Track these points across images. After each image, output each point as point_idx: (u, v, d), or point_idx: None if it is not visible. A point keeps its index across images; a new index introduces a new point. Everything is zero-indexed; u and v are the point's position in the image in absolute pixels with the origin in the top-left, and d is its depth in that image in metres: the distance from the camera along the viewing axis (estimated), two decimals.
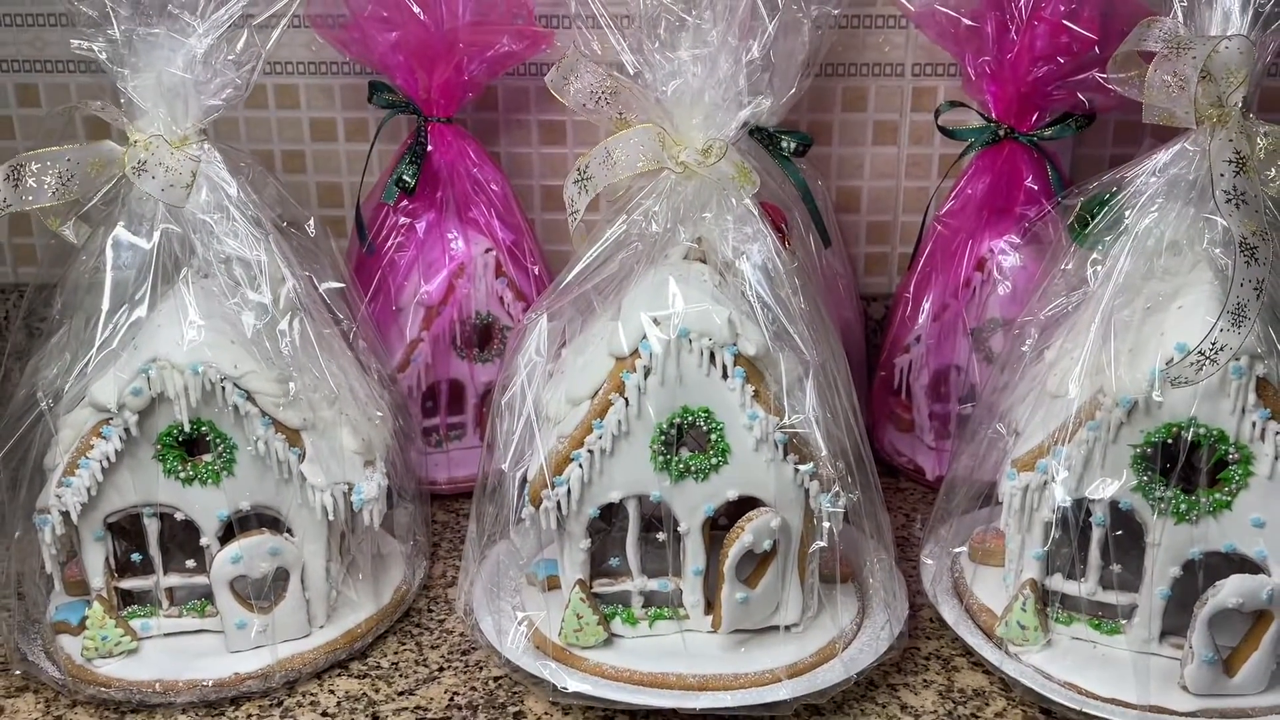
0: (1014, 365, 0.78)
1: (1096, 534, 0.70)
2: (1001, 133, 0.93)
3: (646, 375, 0.67)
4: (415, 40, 0.90)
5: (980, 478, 0.79)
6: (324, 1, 0.94)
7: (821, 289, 0.99)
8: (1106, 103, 0.89)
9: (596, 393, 0.68)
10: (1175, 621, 0.70)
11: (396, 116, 0.99)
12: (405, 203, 0.95)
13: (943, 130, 0.97)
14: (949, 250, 0.97)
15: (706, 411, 0.68)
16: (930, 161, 1.10)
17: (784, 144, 0.97)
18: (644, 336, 0.67)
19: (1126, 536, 0.70)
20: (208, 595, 0.73)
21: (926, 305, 0.98)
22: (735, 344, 0.67)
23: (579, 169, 0.71)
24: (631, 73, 0.69)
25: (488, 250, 0.95)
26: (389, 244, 0.96)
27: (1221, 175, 0.63)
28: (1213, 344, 0.61)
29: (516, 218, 0.98)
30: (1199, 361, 0.62)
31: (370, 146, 1.01)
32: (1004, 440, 0.76)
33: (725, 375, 0.68)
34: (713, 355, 0.67)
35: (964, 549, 0.79)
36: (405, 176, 0.93)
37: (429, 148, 0.95)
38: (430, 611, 0.82)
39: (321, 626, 0.75)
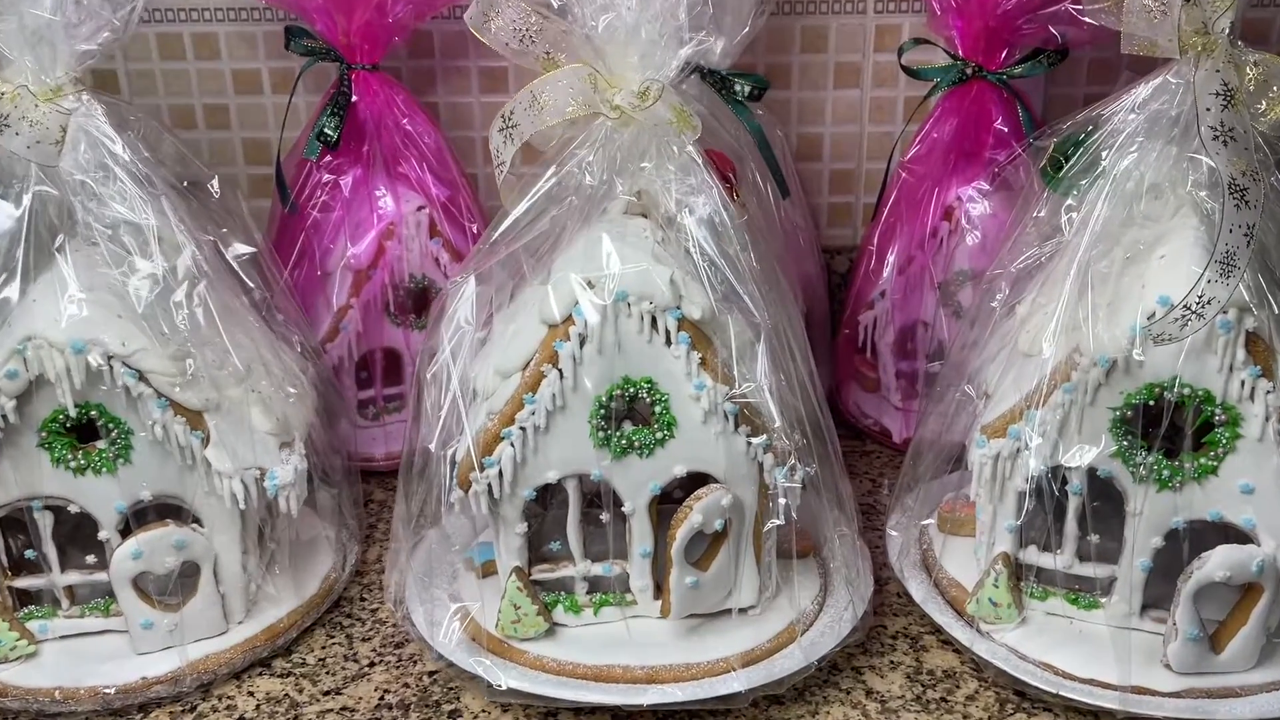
0: (983, 321, 0.72)
1: (1073, 503, 0.65)
2: (969, 71, 0.88)
3: (582, 344, 0.61)
4: None
5: (950, 439, 0.73)
6: None
7: (780, 243, 0.93)
8: (1080, 37, 0.84)
9: (528, 364, 0.62)
10: (1157, 593, 0.65)
11: (321, 65, 0.91)
12: (329, 158, 0.88)
13: (906, 70, 0.92)
14: (914, 199, 0.92)
15: (649, 382, 0.62)
16: (895, 105, 1.04)
17: (738, 88, 0.90)
18: (577, 301, 0.60)
19: (1105, 505, 0.65)
20: (111, 593, 0.67)
21: (891, 258, 0.93)
22: (679, 307, 0.61)
23: (503, 116, 0.65)
24: (557, 5, 0.62)
25: (420, 208, 0.89)
26: (313, 203, 0.89)
27: (1208, 110, 0.57)
28: (1199, 297, 0.56)
29: (452, 173, 0.92)
30: (1184, 316, 0.56)
31: (289, 97, 0.93)
32: (973, 403, 0.71)
33: (669, 342, 0.62)
34: (654, 320, 0.61)
35: (932, 520, 0.74)
36: (327, 129, 0.86)
37: (353, 98, 0.88)
38: (363, 600, 0.76)
39: (240, 622, 0.70)
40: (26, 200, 0.61)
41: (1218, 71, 0.58)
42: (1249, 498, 0.61)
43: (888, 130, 1.04)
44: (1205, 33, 0.59)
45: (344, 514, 0.79)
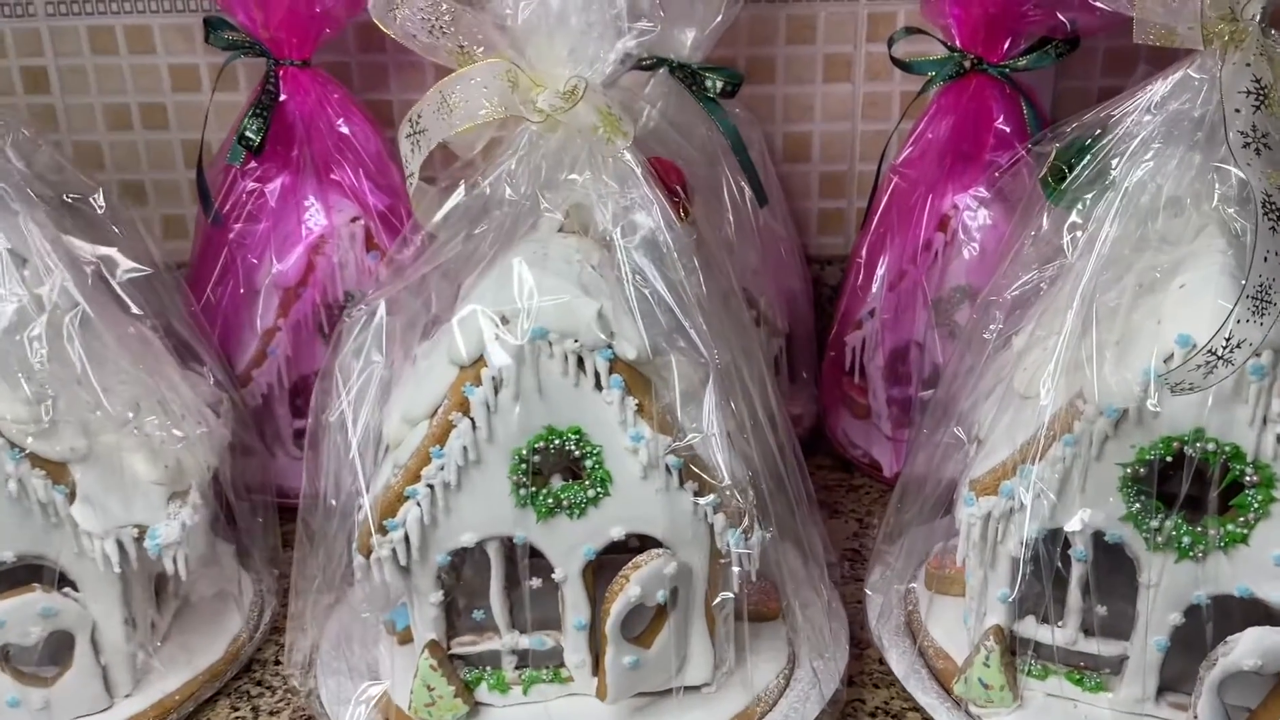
0: (976, 351, 0.63)
1: (1076, 571, 0.56)
2: (967, 64, 0.80)
3: (496, 389, 0.52)
4: None
5: (941, 476, 0.65)
6: None
7: (757, 255, 0.86)
8: (1092, 24, 0.76)
9: (436, 411, 0.53)
10: (1176, 674, 0.57)
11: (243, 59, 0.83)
12: (253, 164, 0.80)
13: (897, 63, 0.85)
14: (906, 206, 0.84)
15: (578, 432, 0.54)
16: (890, 100, 0.96)
17: (709, 83, 0.83)
18: (488, 340, 0.52)
19: (1114, 573, 0.56)
20: None
21: (881, 272, 0.85)
22: (610, 346, 0.52)
23: (410, 120, 0.56)
24: None
25: (354, 219, 0.81)
26: (239, 214, 0.81)
27: (1237, 111, 0.48)
28: (1227, 338, 0.46)
29: (393, 179, 0.83)
30: (1208, 361, 0.47)
31: (210, 94, 0.85)
32: (963, 446, 0.61)
33: (599, 386, 0.53)
34: (581, 361, 0.52)
35: (916, 584, 0.65)
36: (249, 133, 0.79)
37: (281, 96, 0.80)
38: (277, 664, 0.68)
39: (128, 695, 0.62)
40: None
41: (1248, 65, 0.49)
42: None
43: (882, 129, 0.97)
44: (1233, 19, 0.50)
45: (257, 567, 0.71)
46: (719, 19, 0.81)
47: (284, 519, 0.75)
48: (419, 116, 0.55)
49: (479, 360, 0.52)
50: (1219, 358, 0.47)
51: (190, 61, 0.95)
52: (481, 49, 0.55)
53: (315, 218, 0.80)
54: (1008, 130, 0.79)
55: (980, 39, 0.79)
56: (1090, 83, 0.93)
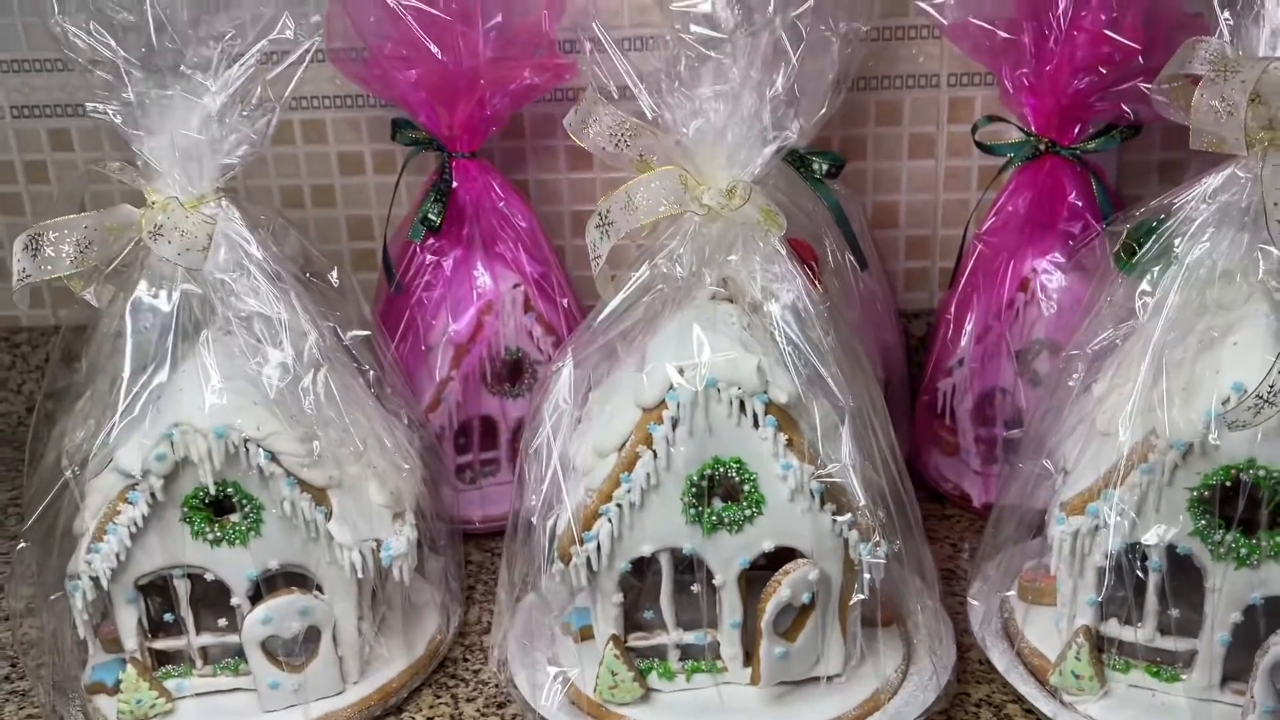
0: (1061, 396, 0.75)
1: (1153, 579, 0.66)
2: (1042, 147, 0.90)
3: (674, 427, 0.65)
4: (435, 78, 0.89)
5: (1031, 506, 0.75)
6: (345, 36, 0.93)
7: (859, 312, 0.96)
8: (1152, 113, 0.82)
9: (624, 445, 0.66)
10: (1237, 666, 0.67)
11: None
12: (432, 240, 0.94)
13: (980, 146, 0.94)
14: (990, 269, 0.94)
15: (738, 462, 0.66)
16: (969, 174, 1.07)
17: (815, 166, 0.94)
18: (671, 387, 0.65)
19: (1185, 580, 0.67)
20: (241, 653, 0.72)
21: (969, 327, 0.95)
22: (766, 392, 0.65)
23: (600, 213, 0.69)
24: (650, 117, 0.67)
25: (515, 285, 0.94)
26: (418, 282, 0.95)
27: (1275, 204, 0.60)
28: (1271, 386, 0.58)
29: (544, 250, 0.97)
30: (1257, 404, 0.58)
31: (396, 183, 1.00)
32: (1052, 476, 0.73)
33: (756, 424, 0.65)
34: (743, 404, 0.65)
35: (1013, 591, 0.76)
36: (430, 215, 0.92)
37: (454, 184, 0.94)
38: (465, 661, 0.81)
39: (355, 683, 0.74)
40: (175, 297, 0.67)
41: None
42: None
43: (962, 198, 1.07)
44: (1271, 128, 0.61)
45: (448, 578, 0.83)
46: (823, 111, 0.92)
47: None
48: (608, 211, 0.69)
49: (661, 404, 0.65)
50: (1265, 401, 0.58)
51: (356, 149, 1.08)
52: (656, 157, 0.69)
53: (484, 284, 0.94)
54: (1079, 204, 0.89)
55: (1054, 125, 0.88)
56: (1151, 155, 1.02)
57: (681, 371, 0.65)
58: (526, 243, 0.95)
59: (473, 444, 0.98)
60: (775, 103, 0.69)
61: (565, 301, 0.97)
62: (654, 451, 0.66)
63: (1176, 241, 0.66)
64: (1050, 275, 0.90)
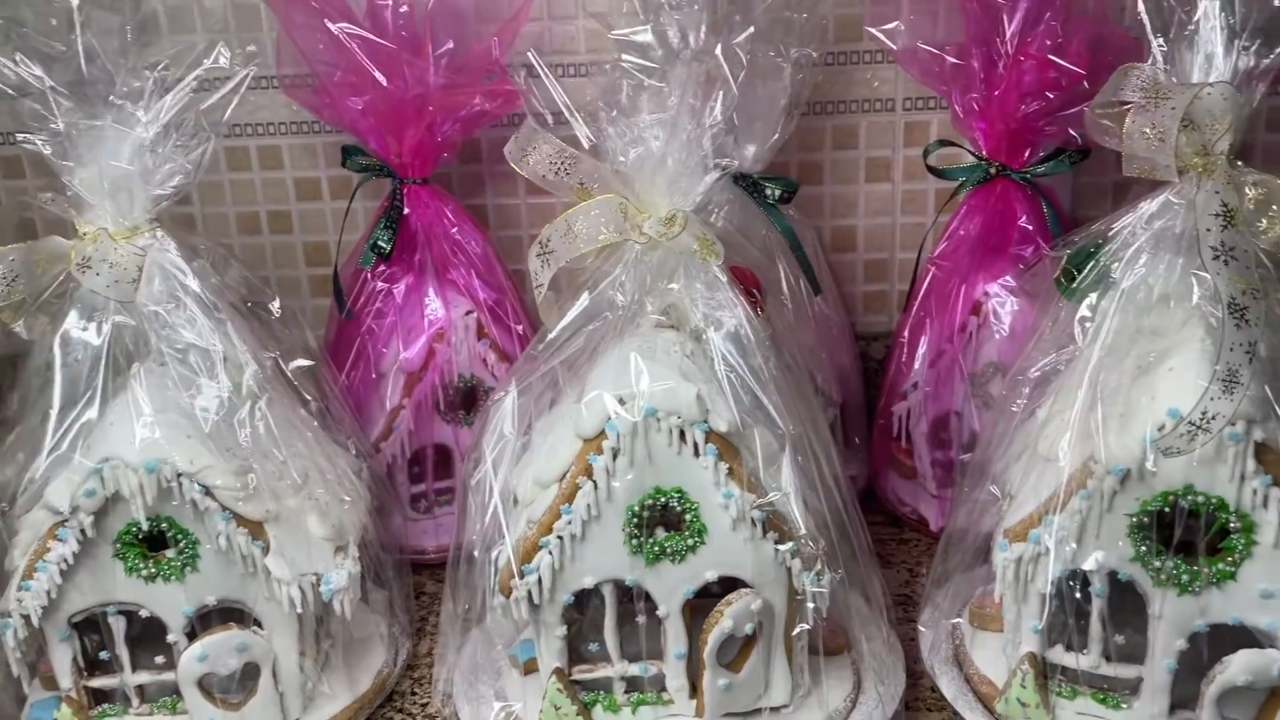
0: (1006, 421, 0.74)
1: (1096, 605, 0.66)
2: (993, 171, 0.90)
3: (615, 457, 0.65)
4: (384, 105, 0.88)
5: (979, 530, 0.75)
6: (295, 62, 0.92)
7: (813, 337, 0.96)
8: None
9: (564, 476, 0.66)
10: (1185, 693, 0.66)
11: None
12: (383, 267, 0.93)
13: (932, 170, 0.94)
14: (943, 293, 0.94)
15: (680, 491, 0.66)
16: (926, 197, 1.07)
17: (769, 191, 0.94)
18: (609, 417, 0.64)
19: (1129, 607, 0.66)
20: (179, 691, 0.71)
21: (922, 350, 0.95)
22: (706, 420, 0.64)
23: (540, 242, 0.69)
24: (587, 146, 0.67)
25: (468, 312, 0.93)
26: (369, 309, 0.94)
27: (1208, 230, 0.60)
28: (1203, 412, 0.58)
29: (498, 276, 0.96)
30: (1190, 431, 0.58)
31: (346, 209, 0.99)
32: (999, 501, 0.72)
33: (697, 453, 0.65)
34: (683, 433, 0.65)
35: (961, 619, 0.76)
36: (380, 242, 0.91)
37: (405, 210, 0.93)
38: (414, 694, 0.80)
39: (298, 718, 0.73)
40: (106, 330, 0.66)
41: (1217, 193, 0.60)
42: (1269, 602, 0.62)
43: (919, 221, 1.07)
44: (1205, 154, 0.61)
45: (395, 610, 0.82)
46: (776, 136, 0.93)
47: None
48: (548, 240, 0.68)
49: (601, 434, 0.65)
50: (1199, 428, 0.58)
51: (313, 175, 1.07)
52: (597, 185, 0.69)
53: (435, 311, 0.93)
54: (1030, 228, 0.89)
55: (1004, 149, 0.88)
56: (1105, 178, 1.01)
57: (621, 401, 0.64)
58: (480, 269, 0.95)
59: (426, 472, 0.97)
60: (715, 130, 0.68)
61: (520, 328, 0.96)
62: (594, 482, 0.65)
63: (1114, 266, 0.66)
64: (1002, 299, 0.90)
